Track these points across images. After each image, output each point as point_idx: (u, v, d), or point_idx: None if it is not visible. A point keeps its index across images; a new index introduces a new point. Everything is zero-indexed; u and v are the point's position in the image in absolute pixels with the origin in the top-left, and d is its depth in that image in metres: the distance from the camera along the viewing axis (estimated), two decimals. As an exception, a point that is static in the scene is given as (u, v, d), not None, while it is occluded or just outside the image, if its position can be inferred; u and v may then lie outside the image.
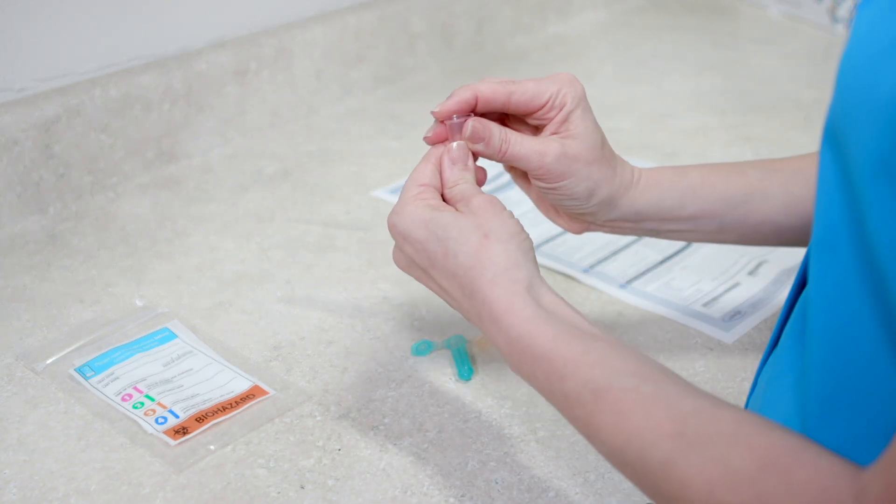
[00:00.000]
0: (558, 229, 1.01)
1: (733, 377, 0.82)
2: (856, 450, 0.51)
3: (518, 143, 0.72)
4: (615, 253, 0.98)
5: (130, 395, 0.79)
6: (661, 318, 0.89)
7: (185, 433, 0.75)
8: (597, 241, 0.99)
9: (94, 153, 1.06)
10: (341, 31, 1.28)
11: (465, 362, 0.82)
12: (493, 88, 0.72)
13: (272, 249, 0.99)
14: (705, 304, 0.91)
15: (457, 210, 0.68)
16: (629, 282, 0.94)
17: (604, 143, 0.76)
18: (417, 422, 0.77)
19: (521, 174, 0.78)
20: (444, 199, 0.70)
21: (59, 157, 1.03)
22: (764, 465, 0.51)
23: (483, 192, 0.69)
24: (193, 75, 1.13)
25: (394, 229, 0.68)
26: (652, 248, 0.98)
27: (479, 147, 0.72)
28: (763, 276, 0.94)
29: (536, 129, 0.75)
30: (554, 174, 0.73)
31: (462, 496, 0.70)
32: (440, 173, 0.71)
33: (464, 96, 0.71)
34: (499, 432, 0.76)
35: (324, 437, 0.75)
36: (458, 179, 0.70)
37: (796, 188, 0.77)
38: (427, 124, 0.74)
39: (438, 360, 0.83)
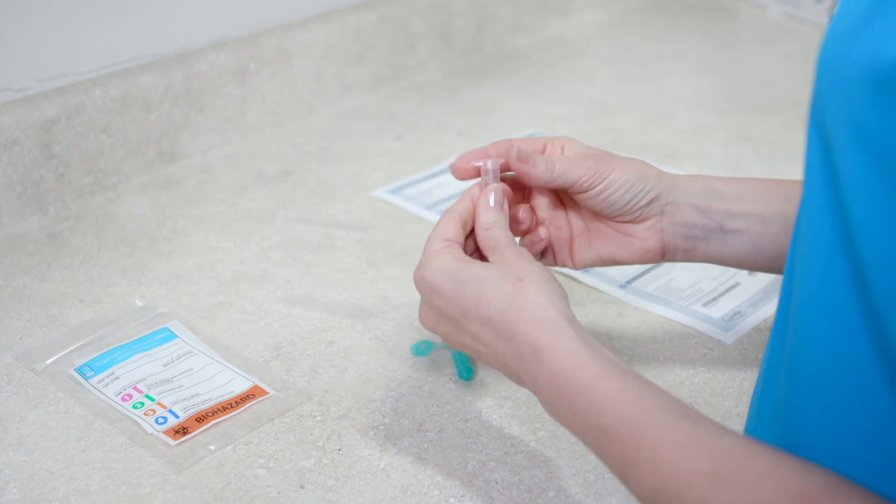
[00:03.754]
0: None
1: (733, 377, 0.82)
2: (838, 443, 0.52)
3: (560, 159, 0.73)
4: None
5: (130, 396, 0.79)
6: (661, 318, 0.89)
7: (185, 433, 0.75)
8: (597, 241, 0.99)
9: (94, 153, 1.06)
10: (341, 31, 1.28)
11: (465, 362, 0.82)
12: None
13: (272, 249, 0.99)
14: (705, 304, 0.91)
15: (486, 260, 0.69)
16: (629, 282, 0.94)
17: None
18: (417, 422, 0.77)
19: (563, 224, 0.78)
20: (475, 242, 0.71)
21: (59, 157, 1.03)
22: (794, 501, 0.51)
23: (515, 244, 0.69)
24: (193, 75, 1.13)
25: (422, 283, 0.67)
26: (652, 248, 0.98)
27: (526, 168, 0.72)
28: (763, 275, 0.94)
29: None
30: (601, 170, 0.73)
31: (462, 496, 0.70)
32: (475, 215, 0.71)
33: (500, 148, 0.73)
34: (499, 432, 0.76)
35: (324, 437, 0.75)
36: (493, 223, 0.70)
37: None
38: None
39: (438, 360, 0.83)
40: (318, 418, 0.77)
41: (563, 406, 0.61)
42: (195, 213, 1.05)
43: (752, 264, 0.77)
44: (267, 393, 0.79)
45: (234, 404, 0.78)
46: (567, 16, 1.60)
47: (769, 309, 0.90)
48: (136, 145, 1.10)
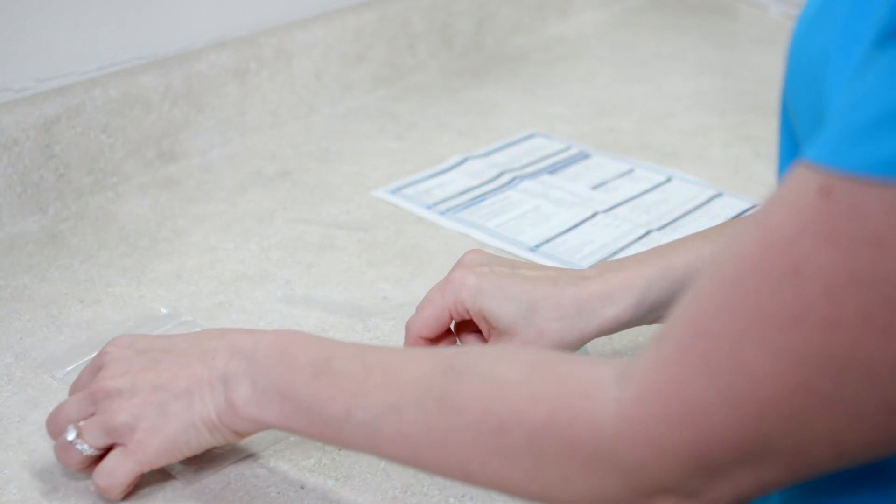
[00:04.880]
0: (558, 229, 1.01)
1: (733, 377, 0.82)
2: None
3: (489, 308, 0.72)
4: (615, 253, 0.98)
5: None
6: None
7: None
8: (597, 241, 0.99)
9: (94, 153, 1.06)
10: (341, 31, 1.28)
11: (465, 362, 0.82)
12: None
13: (272, 249, 0.99)
14: (705, 304, 0.90)
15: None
16: (629, 282, 0.94)
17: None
18: (417, 422, 0.77)
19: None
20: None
21: (59, 157, 1.03)
22: (531, 371, 0.54)
23: None
24: (193, 75, 1.13)
25: (114, 344, 0.70)
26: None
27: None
28: (763, 276, 0.94)
29: None
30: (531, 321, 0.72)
31: (462, 496, 0.70)
32: None
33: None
34: (499, 432, 0.76)
35: (324, 437, 0.75)
36: None
37: None
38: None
39: (438, 360, 0.83)
40: (318, 418, 0.77)
41: (283, 365, 0.62)
42: (195, 213, 1.05)
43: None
44: None
45: None
46: (567, 16, 1.60)
47: (769, 309, 0.90)
48: (136, 145, 1.10)
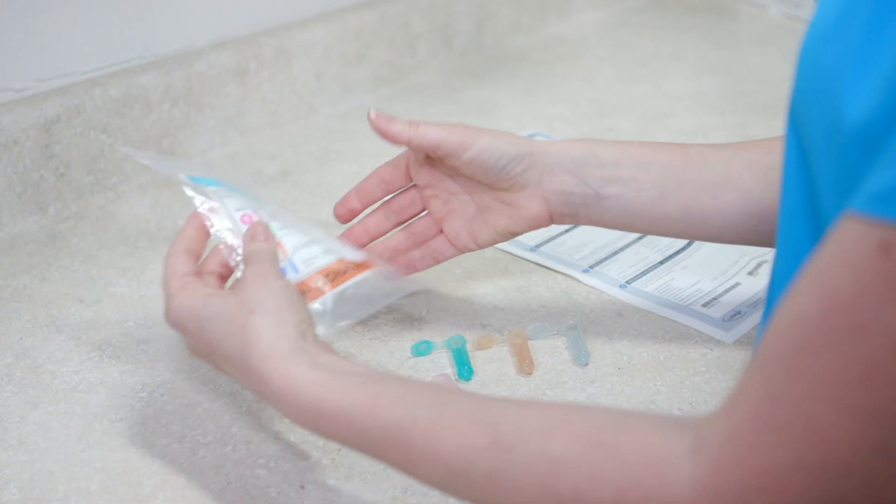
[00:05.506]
0: (559, 229, 1.01)
1: (733, 377, 0.82)
2: None
3: (425, 123, 0.78)
4: (615, 253, 0.98)
5: (251, 217, 0.73)
6: (661, 318, 0.89)
7: (305, 296, 0.70)
8: (597, 241, 0.99)
9: (94, 153, 1.06)
10: (341, 31, 1.28)
11: (465, 362, 0.82)
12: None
13: (272, 249, 0.99)
14: (705, 304, 0.91)
15: (230, 288, 0.70)
16: (629, 282, 0.94)
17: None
18: (417, 422, 0.77)
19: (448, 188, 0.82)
20: (216, 262, 0.72)
21: (59, 157, 1.03)
22: (587, 445, 0.52)
23: (263, 262, 0.69)
24: (193, 75, 1.13)
25: (171, 324, 0.69)
26: (652, 248, 0.98)
27: (386, 127, 0.78)
28: (763, 276, 0.94)
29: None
30: (469, 136, 0.78)
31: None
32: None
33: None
34: (499, 432, 0.76)
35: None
36: (251, 249, 0.71)
37: (737, 165, 0.78)
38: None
39: (438, 360, 0.83)
40: (318, 418, 0.77)
41: (327, 433, 0.62)
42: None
43: (632, 228, 0.81)
44: (379, 265, 0.75)
45: (346, 270, 0.72)
46: (567, 16, 1.60)
47: (769, 309, 0.90)
48: (137, 145, 1.10)
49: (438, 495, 0.70)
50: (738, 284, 0.93)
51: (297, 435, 0.75)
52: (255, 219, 0.73)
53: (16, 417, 0.77)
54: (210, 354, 0.67)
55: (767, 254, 0.97)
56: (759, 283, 0.93)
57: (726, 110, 1.31)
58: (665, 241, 0.99)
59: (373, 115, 0.78)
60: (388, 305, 0.90)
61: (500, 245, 0.98)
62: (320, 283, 0.71)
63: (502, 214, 0.81)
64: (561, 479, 0.51)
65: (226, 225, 0.72)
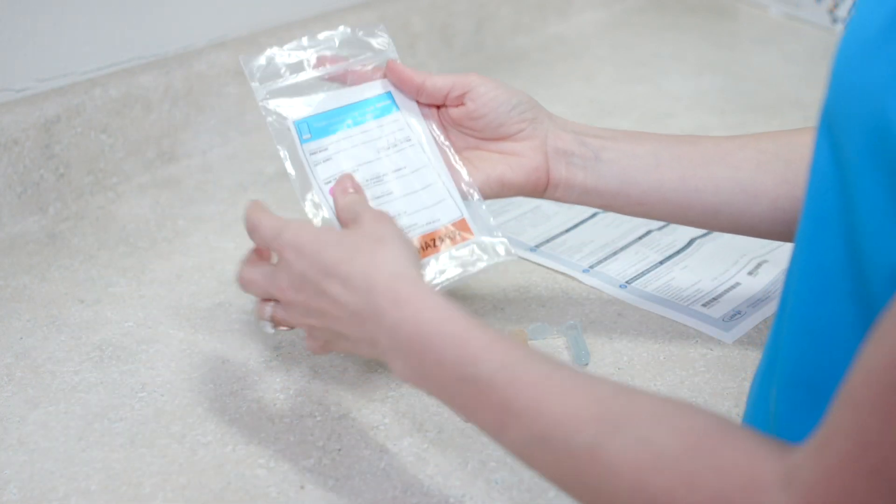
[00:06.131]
0: (559, 229, 1.01)
1: (733, 377, 0.82)
2: None
3: (435, 74, 0.80)
4: (615, 253, 0.98)
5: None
6: (661, 318, 0.89)
7: None
8: (597, 241, 0.99)
9: (94, 153, 1.06)
10: (341, 31, 1.28)
11: (465, 362, 0.82)
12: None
13: (272, 249, 0.99)
14: (705, 304, 0.91)
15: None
16: (629, 282, 0.94)
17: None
18: (417, 422, 0.77)
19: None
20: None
21: (59, 157, 1.03)
22: (691, 446, 0.51)
23: (374, 211, 0.71)
24: (193, 75, 1.13)
25: (285, 248, 0.68)
26: (652, 248, 0.98)
27: (400, 75, 0.80)
28: (763, 276, 0.94)
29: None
30: (475, 83, 0.78)
31: (462, 496, 0.70)
32: (333, 201, 0.74)
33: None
34: (499, 432, 0.76)
35: (324, 437, 0.75)
36: (349, 200, 0.73)
37: (728, 146, 0.80)
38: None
39: (438, 360, 0.83)
40: (318, 418, 0.77)
41: (429, 359, 0.61)
42: (195, 213, 1.05)
43: (625, 198, 0.80)
44: (471, 235, 0.75)
45: (436, 242, 0.74)
46: (567, 16, 1.60)
47: (769, 309, 0.90)
48: (136, 145, 1.10)
49: (439, 495, 0.70)
50: (738, 284, 0.93)
51: (297, 435, 0.75)
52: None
53: (16, 417, 0.77)
54: (323, 279, 0.66)
55: (768, 254, 0.97)
56: (759, 283, 0.93)
57: (726, 110, 1.31)
58: (665, 240, 0.99)
59: (390, 65, 0.80)
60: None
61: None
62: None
63: (499, 163, 0.80)
64: (658, 475, 0.51)
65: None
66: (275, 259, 0.71)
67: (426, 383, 0.62)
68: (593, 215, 1.04)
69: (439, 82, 0.79)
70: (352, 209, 0.71)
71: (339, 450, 0.74)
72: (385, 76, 0.81)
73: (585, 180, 0.80)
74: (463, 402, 0.60)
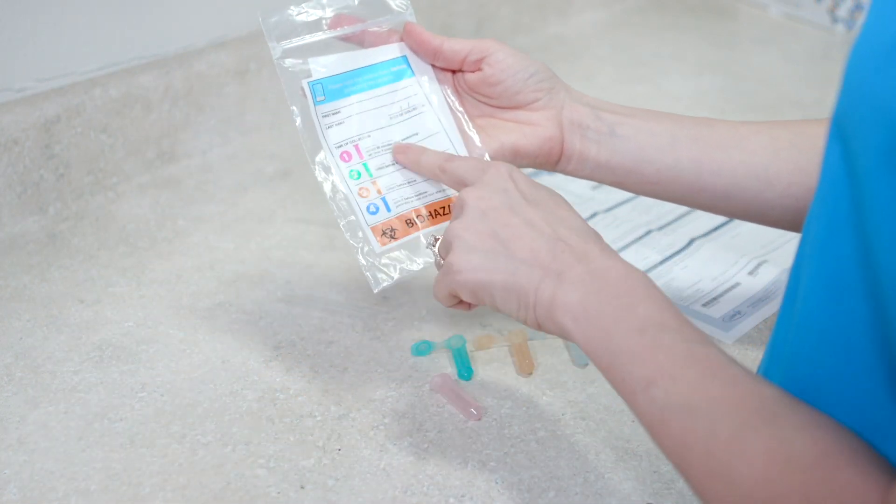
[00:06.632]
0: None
1: (733, 377, 0.82)
2: None
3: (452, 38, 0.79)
4: (615, 253, 0.98)
5: (349, 156, 0.74)
6: (661, 318, 0.89)
7: (392, 238, 0.71)
8: (597, 241, 0.99)
9: (94, 153, 1.06)
10: (341, 31, 1.28)
11: (465, 362, 0.82)
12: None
13: (272, 249, 0.99)
14: (705, 304, 0.91)
15: None
16: (629, 282, 0.93)
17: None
18: (417, 422, 0.77)
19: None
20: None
21: (59, 157, 1.03)
22: (820, 457, 0.51)
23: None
24: (193, 75, 1.13)
25: (499, 167, 0.69)
26: (652, 248, 0.98)
27: (417, 38, 0.78)
28: (763, 276, 0.94)
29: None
30: (493, 48, 0.78)
31: (462, 496, 0.70)
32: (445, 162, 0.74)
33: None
34: (499, 432, 0.76)
35: (324, 437, 0.75)
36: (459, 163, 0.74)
37: (744, 130, 0.80)
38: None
39: (438, 360, 0.83)
40: (318, 418, 0.77)
41: (623, 302, 0.61)
42: (195, 213, 1.05)
43: (639, 176, 0.80)
44: None
45: (445, 210, 0.73)
46: (567, 16, 1.60)
47: (769, 309, 0.90)
48: (136, 145, 1.10)
49: (438, 495, 0.70)
50: (738, 284, 0.93)
51: (297, 435, 0.75)
52: (353, 156, 0.74)
53: (16, 417, 0.77)
54: (541, 202, 0.67)
55: (768, 254, 0.97)
56: (759, 283, 0.93)
57: (726, 110, 1.31)
58: (665, 240, 0.99)
59: (407, 27, 0.79)
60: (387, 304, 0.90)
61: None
62: (414, 218, 0.73)
63: (513, 131, 0.79)
64: (783, 475, 0.51)
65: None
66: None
67: (596, 323, 0.61)
68: (593, 215, 1.04)
69: (457, 46, 0.78)
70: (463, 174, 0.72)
71: (339, 450, 0.74)
72: (402, 39, 0.80)
73: (599, 154, 0.79)
74: (621, 350, 0.59)
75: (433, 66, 0.80)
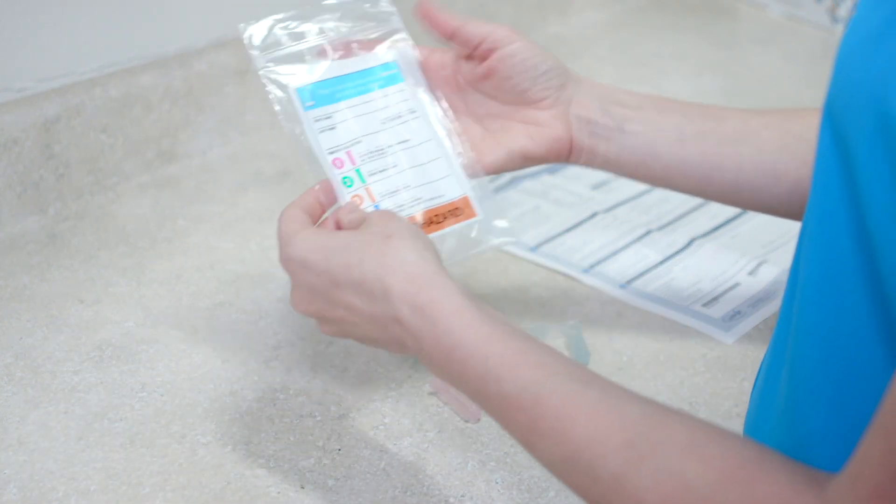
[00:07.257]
0: (559, 229, 1.01)
1: (733, 377, 0.82)
2: (839, 439, 0.51)
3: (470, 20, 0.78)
4: (615, 253, 0.98)
5: (342, 162, 0.72)
6: (661, 318, 0.89)
7: None
8: (597, 241, 0.99)
9: (94, 153, 1.06)
10: (341, 31, 1.28)
11: (465, 362, 0.82)
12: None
13: (272, 249, 0.99)
14: (705, 304, 0.91)
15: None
16: (629, 282, 0.94)
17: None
18: (417, 422, 0.77)
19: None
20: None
21: (59, 157, 1.03)
22: (722, 478, 0.49)
23: (381, 211, 0.69)
24: (193, 75, 1.13)
25: (289, 262, 0.65)
26: (652, 248, 0.98)
27: (433, 17, 0.77)
28: (763, 276, 0.94)
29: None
30: (509, 35, 0.78)
31: (462, 496, 0.70)
32: (338, 208, 0.70)
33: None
34: (499, 432, 0.76)
35: (324, 437, 0.75)
36: (353, 206, 0.70)
37: (754, 124, 0.80)
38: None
39: (438, 360, 0.83)
40: (318, 418, 0.77)
41: (454, 370, 0.58)
42: (195, 213, 1.05)
43: (648, 172, 0.79)
44: (474, 214, 0.74)
45: (440, 218, 0.72)
46: (567, 16, 1.60)
47: (769, 309, 0.90)
48: (136, 145, 1.10)
49: (439, 495, 0.70)
50: (738, 284, 0.93)
51: (297, 435, 0.75)
52: (345, 162, 0.72)
53: (16, 417, 0.77)
54: (333, 288, 0.63)
55: (768, 254, 0.97)
56: (759, 283, 0.93)
57: (726, 110, 1.31)
58: (665, 240, 0.99)
59: (424, 5, 0.77)
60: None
61: (500, 245, 0.98)
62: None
63: (520, 134, 0.77)
64: None
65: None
66: None
67: (460, 388, 0.60)
68: (593, 215, 1.04)
69: (474, 30, 0.77)
70: (357, 215, 0.68)
71: (339, 450, 0.74)
72: (417, 14, 0.78)
73: (608, 151, 0.78)
74: (492, 414, 0.58)
75: (423, 66, 0.79)
